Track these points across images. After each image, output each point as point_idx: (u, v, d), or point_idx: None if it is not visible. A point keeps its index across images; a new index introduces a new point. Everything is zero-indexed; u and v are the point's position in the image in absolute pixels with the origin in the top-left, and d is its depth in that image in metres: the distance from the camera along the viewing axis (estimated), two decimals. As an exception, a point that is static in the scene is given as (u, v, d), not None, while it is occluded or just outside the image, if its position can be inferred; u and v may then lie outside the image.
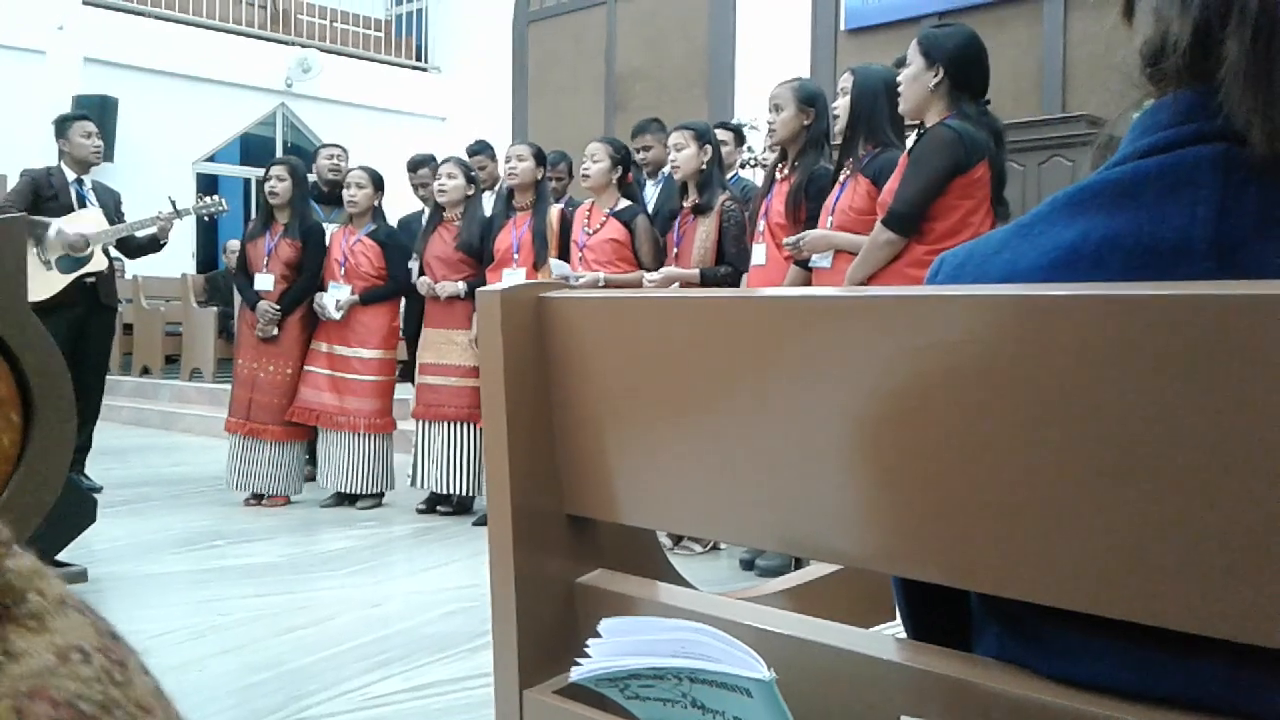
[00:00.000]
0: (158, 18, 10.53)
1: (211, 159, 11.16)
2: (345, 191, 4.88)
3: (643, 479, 0.99)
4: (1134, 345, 0.64)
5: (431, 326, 4.77)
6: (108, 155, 7.30)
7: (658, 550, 1.17)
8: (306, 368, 4.85)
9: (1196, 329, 0.61)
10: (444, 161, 4.87)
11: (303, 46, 11.38)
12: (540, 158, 4.60)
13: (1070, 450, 0.67)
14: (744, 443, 0.88)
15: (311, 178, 5.35)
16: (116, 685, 0.27)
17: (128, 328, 9.23)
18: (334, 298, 4.81)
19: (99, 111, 8.58)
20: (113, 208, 5.04)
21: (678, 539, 3.98)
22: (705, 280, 3.90)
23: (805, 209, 3.48)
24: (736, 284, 3.86)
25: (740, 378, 0.88)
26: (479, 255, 4.68)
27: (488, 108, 10.90)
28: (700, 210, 3.99)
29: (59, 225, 4.69)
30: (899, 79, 2.98)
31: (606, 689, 0.85)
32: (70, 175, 4.91)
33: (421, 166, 5.58)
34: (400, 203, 5.94)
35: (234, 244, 7.72)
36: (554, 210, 4.65)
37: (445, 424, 4.61)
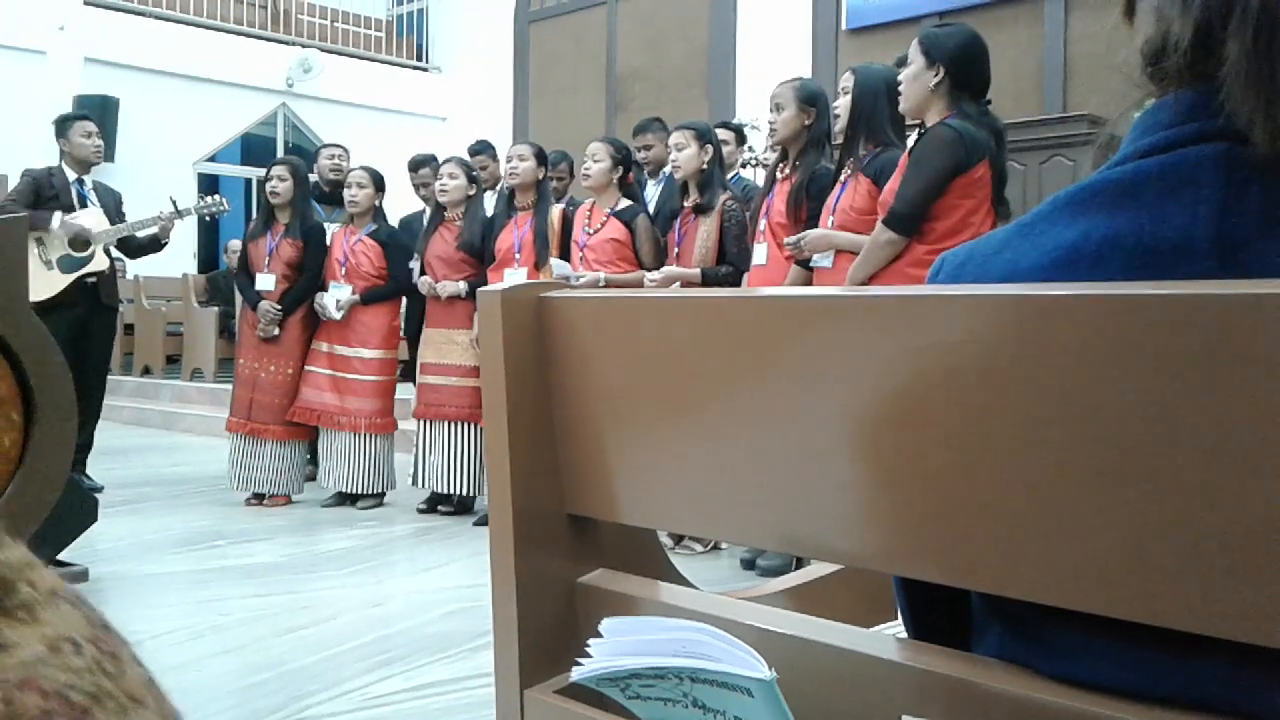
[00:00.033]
0: (158, 18, 10.54)
1: (212, 159, 11.17)
2: (346, 191, 4.88)
3: (644, 479, 0.99)
4: (1135, 345, 0.64)
5: (432, 326, 4.77)
6: (109, 155, 7.31)
7: (658, 550, 1.17)
8: (307, 368, 4.85)
9: (1198, 329, 0.61)
10: (445, 161, 4.87)
11: (304, 46, 11.39)
12: (541, 158, 4.60)
13: (1071, 450, 0.67)
14: (745, 442, 0.88)
15: (312, 178, 5.35)
16: (108, 676, 0.27)
17: (129, 328, 9.23)
18: (334, 298, 4.81)
19: (100, 111, 8.58)
20: (114, 208, 5.05)
21: (678, 539, 3.98)
22: (706, 280, 3.90)
23: (806, 209, 3.48)
24: (738, 284, 3.86)
25: (741, 377, 0.88)
26: (480, 255, 4.69)
27: (488, 108, 10.90)
28: (701, 210, 3.99)
29: (62, 216, 4.70)
30: (900, 78, 2.98)
31: (607, 689, 0.85)
32: (71, 175, 4.91)
33: (423, 166, 5.58)
34: (401, 202, 5.94)
35: (235, 244, 7.73)
36: (555, 210, 4.65)
37: (446, 424, 4.61)
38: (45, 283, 4.63)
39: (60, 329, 4.00)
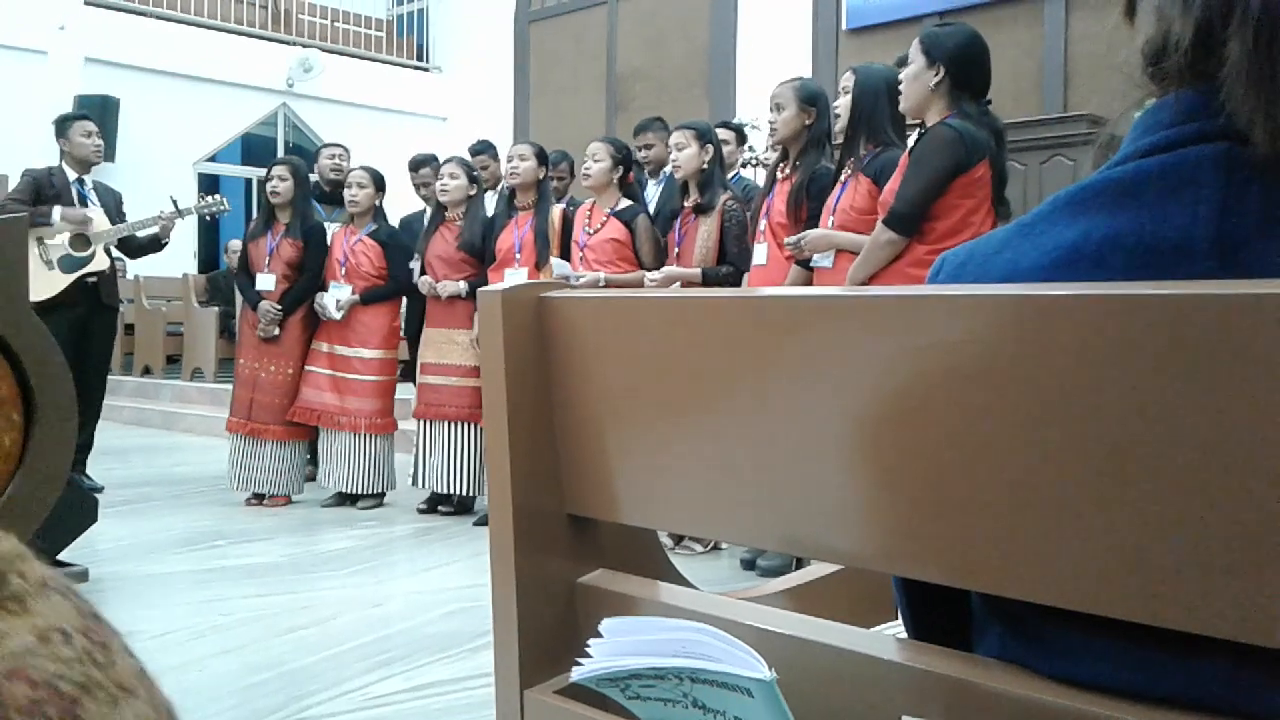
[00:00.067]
0: (159, 18, 10.54)
1: (213, 159, 11.17)
2: (346, 191, 4.88)
3: (644, 479, 0.99)
4: (1135, 345, 0.64)
5: (433, 326, 4.77)
6: (109, 155, 7.31)
7: (659, 550, 1.17)
8: (307, 368, 4.85)
9: (1198, 328, 0.61)
10: (446, 161, 4.87)
11: (304, 46, 11.39)
12: (542, 157, 4.60)
13: (1071, 450, 0.67)
14: (745, 442, 0.88)
15: (313, 177, 5.35)
16: (98, 666, 0.27)
17: (129, 328, 9.23)
18: (334, 298, 4.81)
19: (100, 111, 8.58)
20: (114, 208, 5.05)
21: (679, 539, 3.98)
22: (707, 280, 3.90)
23: (806, 208, 3.48)
24: (738, 283, 3.86)
25: (741, 377, 0.88)
26: (480, 255, 4.69)
27: (489, 107, 10.90)
28: (702, 210, 3.99)
29: (62, 209, 4.70)
30: (900, 78, 2.98)
31: (607, 689, 0.85)
32: (71, 175, 4.91)
33: (423, 166, 5.58)
34: (401, 202, 5.94)
35: (235, 244, 7.73)
36: (556, 210, 4.65)
37: (446, 424, 4.61)
38: (46, 283, 4.63)
39: (61, 329, 4.00)
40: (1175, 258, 0.66)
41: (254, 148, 11.75)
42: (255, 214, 5.63)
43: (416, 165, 5.65)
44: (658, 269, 4.09)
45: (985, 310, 0.71)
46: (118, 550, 3.86)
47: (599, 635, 0.86)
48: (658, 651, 0.81)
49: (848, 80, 3.34)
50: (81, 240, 4.77)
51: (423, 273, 4.80)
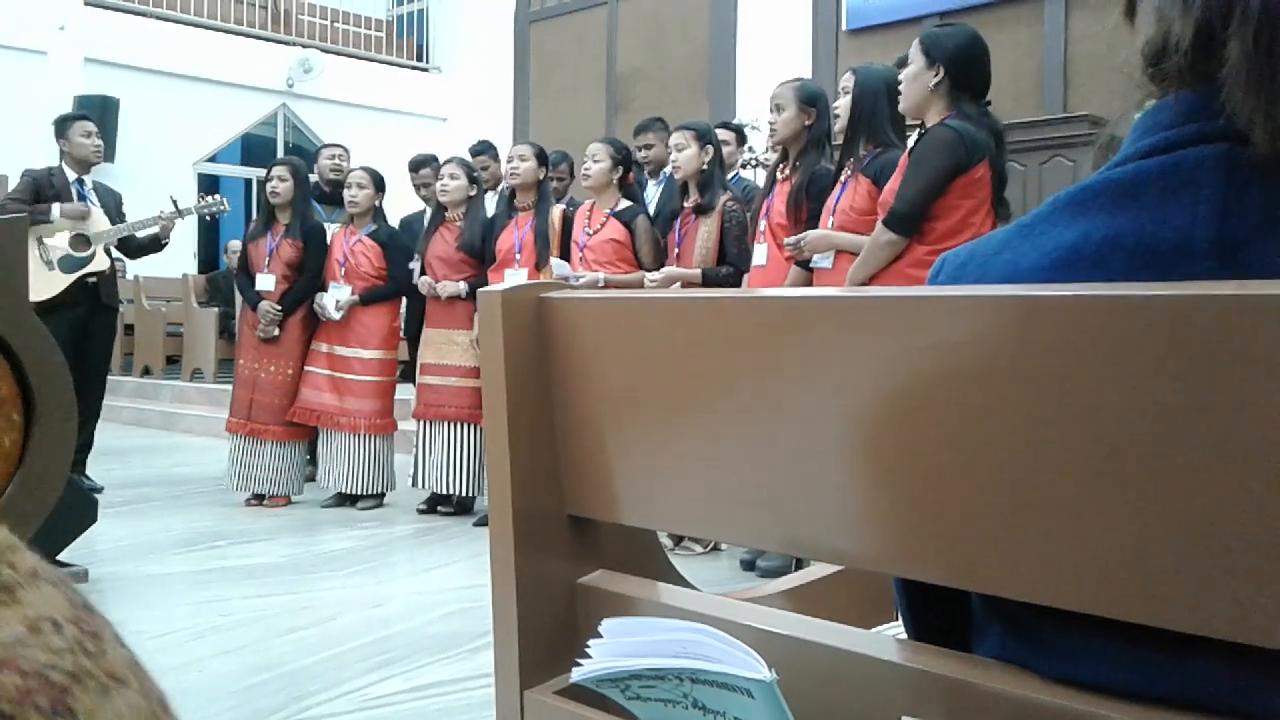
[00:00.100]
0: (159, 18, 10.54)
1: (213, 159, 11.17)
2: (346, 192, 4.88)
3: (644, 479, 0.99)
4: (1135, 345, 0.64)
5: (432, 326, 4.77)
6: (109, 156, 7.32)
7: (658, 551, 1.17)
8: (307, 368, 4.85)
9: (1198, 329, 0.61)
10: (446, 162, 4.87)
11: (304, 47, 11.39)
12: (542, 158, 4.60)
13: (1071, 451, 0.67)
14: (745, 443, 0.88)
15: (313, 178, 5.35)
16: (89, 656, 0.27)
17: (129, 328, 9.23)
18: (334, 298, 4.81)
19: (100, 112, 8.58)
20: (114, 208, 5.05)
21: (678, 539, 3.98)
22: (707, 280, 3.91)
23: (806, 209, 3.48)
24: (738, 284, 3.86)
25: (741, 378, 0.88)
26: (480, 255, 4.69)
27: (489, 108, 10.91)
28: (702, 210, 3.99)
29: (60, 205, 4.70)
30: (900, 78, 2.98)
31: (607, 689, 0.85)
32: (71, 175, 4.91)
33: (424, 167, 5.58)
34: (401, 203, 5.94)
35: (235, 244, 7.73)
36: (556, 211, 4.65)
37: (446, 424, 4.61)
38: (46, 283, 4.63)
39: (61, 329, 4.00)
40: (1175, 258, 0.66)
41: (254, 148, 11.75)
42: (255, 214, 5.62)
43: (417, 166, 5.65)
44: (657, 269, 4.09)
45: (985, 311, 0.71)
46: (117, 551, 3.86)
47: (599, 636, 0.86)
48: (658, 652, 0.81)
49: (847, 81, 3.34)
50: (81, 240, 4.77)
51: (422, 273, 4.80)
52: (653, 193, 4.80)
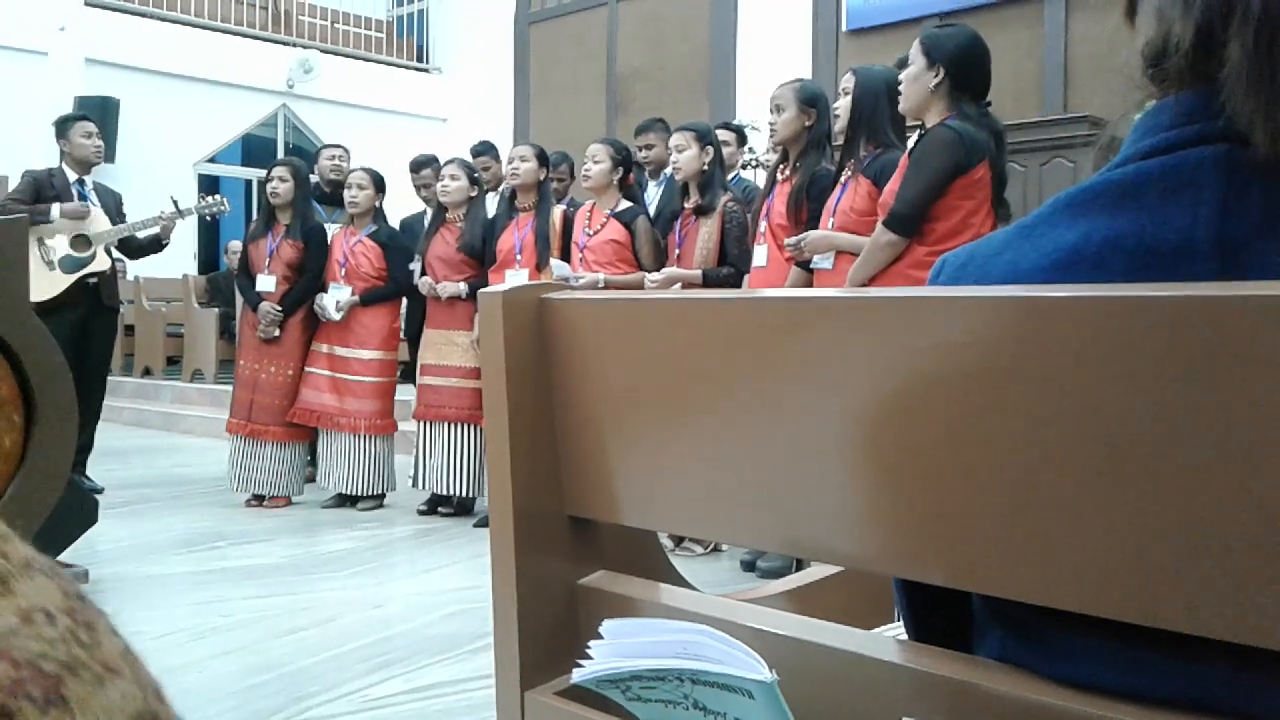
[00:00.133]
0: (159, 19, 10.55)
1: (213, 160, 11.18)
2: (346, 192, 4.88)
3: (644, 480, 0.99)
4: (1135, 346, 0.64)
5: (433, 327, 4.77)
6: (109, 156, 7.32)
7: (659, 552, 1.17)
8: (307, 369, 4.85)
9: (1198, 330, 0.61)
10: (447, 163, 4.87)
11: (304, 47, 11.40)
12: (543, 159, 4.61)
13: (1072, 452, 0.67)
14: (745, 444, 0.88)
15: (313, 179, 5.35)
16: (82, 646, 0.27)
17: (129, 329, 9.23)
18: (334, 299, 4.81)
19: (100, 112, 8.59)
20: (114, 209, 5.05)
21: (679, 540, 3.98)
22: (707, 281, 3.91)
23: (806, 210, 3.48)
24: (739, 285, 3.86)
25: (741, 379, 0.88)
26: (481, 256, 4.69)
27: (489, 108, 10.91)
28: (702, 211, 3.99)
29: (60, 205, 4.70)
30: (900, 79, 2.98)
31: (608, 690, 0.85)
32: (72, 176, 4.92)
33: (424, 167, 5.59)
34: (402, 204, 5.94)
35: (236, 245, 7.73)
36: (557, 211, 4.66)
37: (446, 425, 4.61)
38: (47, 283, 4.63)
39: (61, 330, 4.00)
40: (1176, 259, 0.66)
41: (254, 149, 11.76)
42: (255, 215, 5.62)
43: (417, 166, 5.66)
44: (657, 270, 4.09)
45: (985, 311, 0.71)
46: (118, 551, 3.86)
47: (599, 637, 0.86)
48: (658, 653, 0.81)
49: (848, 81, 3.34)
50: (82, 241, 4.77)
51: (423, 274, 4.80)
52: (653, 193, 4.80)
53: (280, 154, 10.59)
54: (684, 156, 3.96)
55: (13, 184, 5.50)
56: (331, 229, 5.04)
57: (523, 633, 1.03)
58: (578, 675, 0.85)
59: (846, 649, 0.83)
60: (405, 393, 5.25)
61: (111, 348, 5.19)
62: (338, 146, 5.69)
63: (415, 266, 4.91)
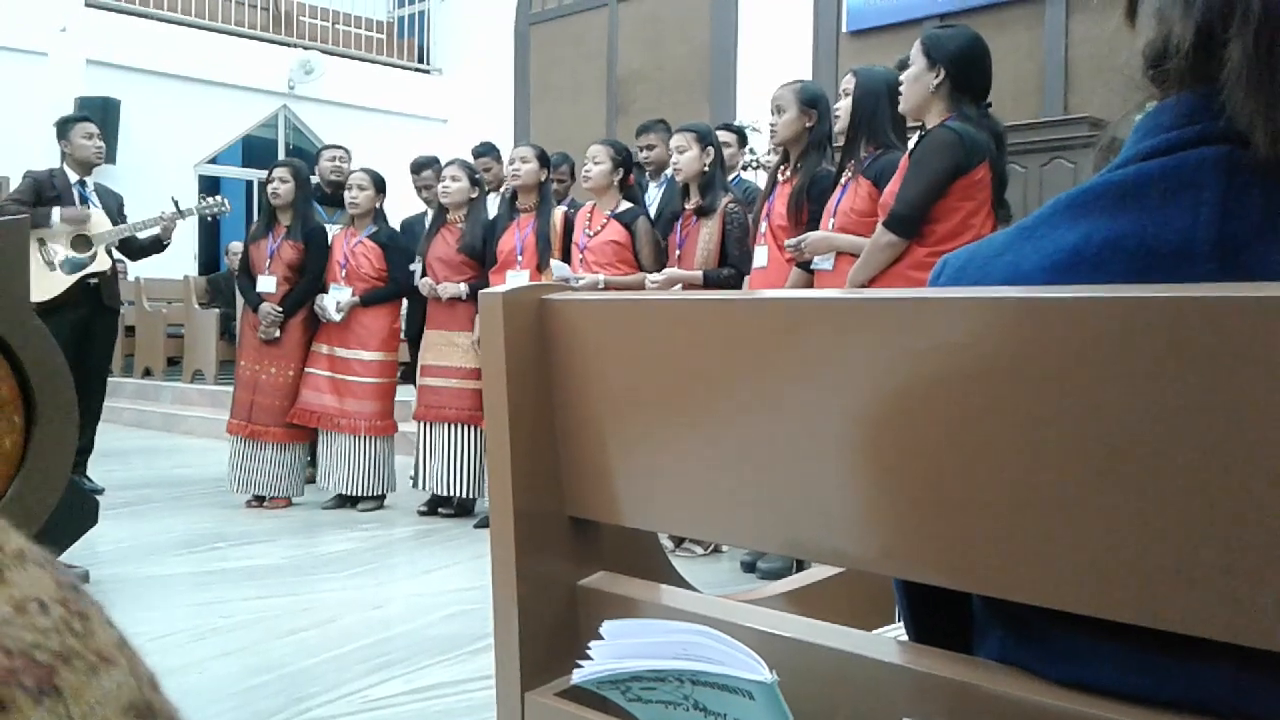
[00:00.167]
0: (160, 19, 10.55)
1: (214, 161, 11.18)
2: (347, 193, 4.88)
3: (645, 481, 0.99)
4: (1136, 347, 0.64)
5: (433, 328, 4.77)
6: (110, 157, 7.32)
7: (659, 552, 1.17)
8: (307, 370, 4.85)
9: (1198, 331, 0.61)
10: (448, 164, 4.88)
11: (305, 48, 11.40)
12: (544, 160, 4.61)
13: (1072, 453, 0.67)
14: (746, 445, 0.88)
15: (314, 180, 5.36)
16: (76, 636, 0.27)
17: (130, 330, 9.23)
18: (334, 299, 4.81)
19: (101, 113, 8.59)
20: (115, 210, 5.05)
21: (679, 541, 3.98)
22: (708, 282, 3.91)
23: (807, 211, 3.48)
24: (739, 286, 3.86)
25: (742, 380, 0.88)
26: (481, 258, 4.69)
27: (489, 110, 10.91)
28: (703, 212, 3.99)
29: (61, 210, 4.71)
30: (901, 80, 2.98)
31: (608, 691, 0.85)
32: (73, 176, 4.92)
33: (425, 168, 5.59)
34: (402, 204, 5.95)
35: (236, 246, 7.73)
36: (558, 212, 4.66)
37: (446, 426, 4.61)
38: (47, 284, 4.63)
39: (62, 330, 4.00)
40: (1176, 261, 0.66)
41: (255, 150, 11.76)
42: (256, 216, 5.63)
43: (418, 168, 5.66)
44: (657, 271, 4.09)
45: (986, 312, 0.71)
46: (118, 552, 3.86)
47: (600, 637, 0.86)
48: (659, 654, 0.81)
49: (848, 83, 3.35)
50: (83, 241, 4.78)
51: (423, 275, 4.80)
52: (654, 194, 4.81)
53: (281, 155, 10.58)
54: (685, 157, 3.96)
55: (14, 185, 5.50)
56: (332, 230, 5.05)
57: (523, 633, 1.03)
58: (578, 676, 0.85)
59: (847, 650, 0.83)
60: (406, 394, 5.25)
61: (112, 348, 5.19)
62: (338, 147, 5.69)
63: (416, 267, 4.91)
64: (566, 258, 4.44)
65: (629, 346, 0.98)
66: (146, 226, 4.98)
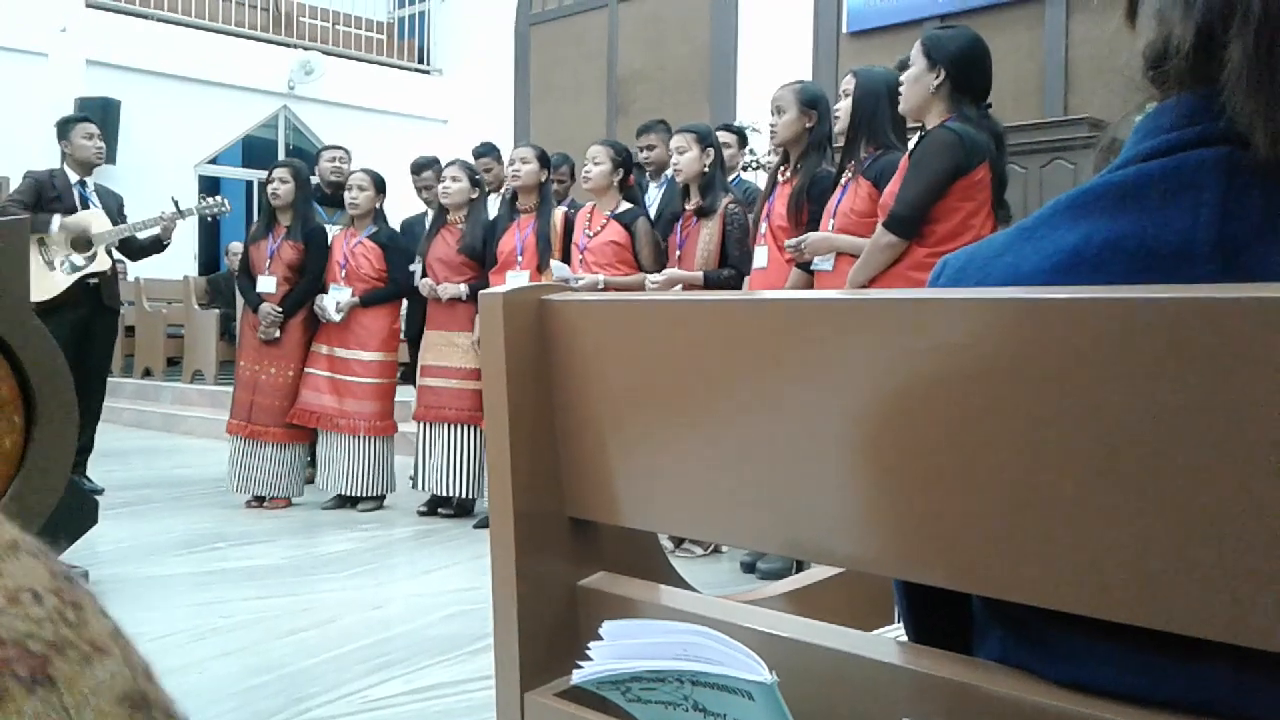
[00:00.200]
0: (160, 20, 10.55)
1: (214, 161, 11.18)
2: (346, 194, 4.89)
3: (644, 481, 0.99)
4: (1136, 348, 0.64)
5: (433, 329, 4.77)
6: (110, 158, 7.33)
7: (659, 553, 1.17)
8: (307, 370, 4.85)
9: (1198, 332, 0.61)
10: (448, 164, 4.88)
11: (305, 49, 11.40)
12: (544, 160, 4.61)
13: (1072, 453, 0.67)
14: (746, 445, 0.88)
15: (314, 180, 5.36)
16: (69, 626, 0.27)
17: (129, 330, 9.23)
18: (334, 300, 4.81)
19: (101, 114, 8.59)
20: (115, 211, 5.05)
21: (679, 542, 3.98)
22: (708, 282, 3.91)
23: (807, 211, 3.49)
24: (739, 286, 3.86)
25: (742, 380, 0.88)
26: (481, 258, 4.69)
27: (489, 110, 10.91)
28: (703, 213, 3.99)
29: (62, 218, 4.71)
30: (901, 80, 2.98)
31: (608, 692, 0.85)
32: (73, 177, 4.92)
33: (426, 169, 5.59)
34: (402, 205, 5.95)
35: (236, 246, 7.73)
36: (558, 213, 4.66)
37: (446, 426, 4.61)
38: (47, 284, 4.63)
39: (62, 330, 4.00)
40: (1176, 261, 0.66)
41: (255, 150, 11.76)
42: (256, 216, 5.63)
43: (419, 168, 5.66)
44: (657, 271, 4.09)
45: (986, 313, 0.71)
46: (118, 552, 3.86)
47: (599, 638, 0.85)
48: (658, 654, 0.80)
49: (848, 83, 3.35)
50: (83, 241, 4.78)
51: (423, 275, 4.80)
52: (654, 195, 4.81)
53: (281, 155, 10.59)
54: (685, 158, 3.96)
55: (14, 185, 5.50)
56: (332, 230, 5.05)
57: (523, 634, 1.03)
58: (578, 676, 0.85)
59: (846, 650, 0.83)
60: (405, 394, 5.25)
61: (112, 349, 5.19)
62: (338, 148, 5.69)
63: (416, 268, 4.91)
64: (566, 258, 4.45)
65: (629, 347, 0.98)
66: (146, 227, 4.98)
